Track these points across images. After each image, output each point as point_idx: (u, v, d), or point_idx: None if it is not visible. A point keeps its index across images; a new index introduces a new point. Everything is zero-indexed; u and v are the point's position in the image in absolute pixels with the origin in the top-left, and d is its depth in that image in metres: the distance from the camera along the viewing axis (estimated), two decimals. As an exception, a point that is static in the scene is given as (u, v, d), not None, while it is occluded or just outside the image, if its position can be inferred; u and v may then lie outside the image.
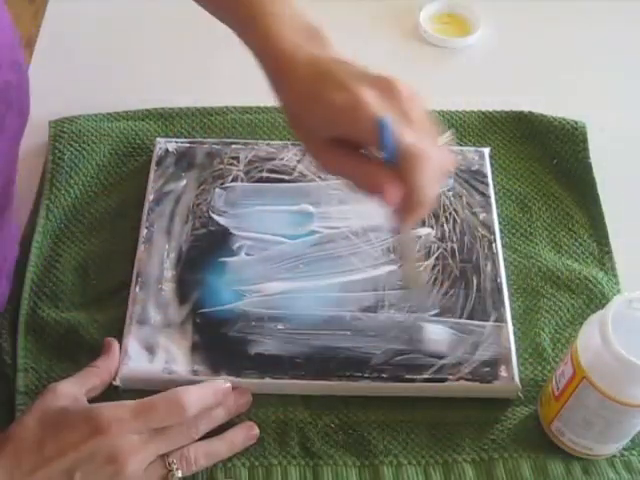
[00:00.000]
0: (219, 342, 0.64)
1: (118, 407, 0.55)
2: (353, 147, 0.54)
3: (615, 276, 0.71)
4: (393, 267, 0.68)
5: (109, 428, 0.53)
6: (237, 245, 0.69)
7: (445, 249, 0.70)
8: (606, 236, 0.73)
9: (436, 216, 0.72)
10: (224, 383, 0.60)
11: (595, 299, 0.69)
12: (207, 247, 0.69)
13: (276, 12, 0.59)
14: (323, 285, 0.67)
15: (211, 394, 0.59)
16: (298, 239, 0.70)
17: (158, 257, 0.68)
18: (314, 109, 0.55)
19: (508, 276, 0.70)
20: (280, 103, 0.58)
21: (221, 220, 0.71)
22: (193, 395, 0.57)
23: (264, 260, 0.68)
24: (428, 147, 0.53)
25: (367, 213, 0.71)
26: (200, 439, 0.58)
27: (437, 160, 0.53)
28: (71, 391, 0.58)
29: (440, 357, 0.64)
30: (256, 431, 0.61)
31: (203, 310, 0.65)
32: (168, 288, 0.66)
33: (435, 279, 0.68)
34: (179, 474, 0.56)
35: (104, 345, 0.63)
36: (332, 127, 0.54)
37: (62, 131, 0.76)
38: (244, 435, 0.60)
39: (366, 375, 0.63)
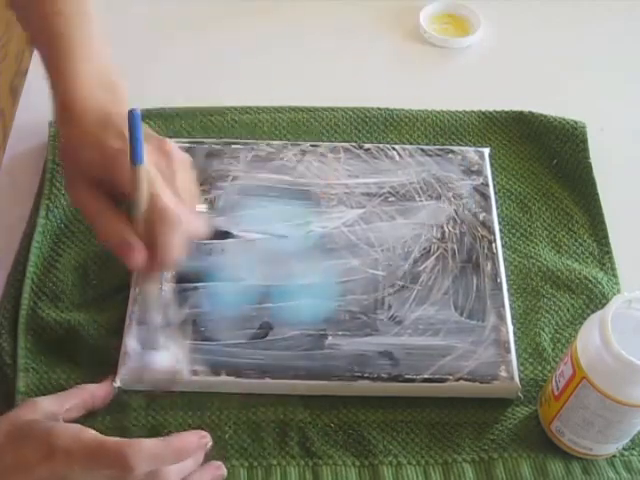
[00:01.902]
0: (219, 342, 0.64)
1: (73, 439, 0.53)
2: (112, 198, 0.56)
3: (615, 276, 0.71)
4: (393, 267, 0.68)
5: (59, 457, 0.52)
6: (237, 245, 0.69)
7: (445, 249, 0.70)
8: (606, 236, 0.73)
9: (436, 217, 0.72)
10: (199, 440, 0.58)
11: (595, 299, 0.69)
12: (207, 247, 0.69)
13: (85, 58, 0.61)
14: (323, 285, 0.67)
15: (170, 454, 0.55)
16: (297, 239, 0.70)
17: (158, 257, 0.68)
18: (91, 149, 0.56)
19: (508, 276, 0.70)
20: (61, 136, 0.60)
21: (221, 220, 0.70)
22: (145, 454, 0.53)
23: (264, 260, 0.68)
24: (182, 212, 0.55)
25: (367, 214, 0.71)
26: None
27: (187, 225, 0.55)
28: (49, 407, 0.57)
29: (440, 357, 0.63)
30: (224, 472, 0.58)
31: (203, 310, 0.65)
32: (168, 288, 0.66)
33: (435, 279, 0.68)
34: None
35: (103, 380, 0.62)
36: (101, 169, 0.56)
37: (62, 131, 0.76)
38: (210, 476, 0.58)
39: (366, 375, 0.63)
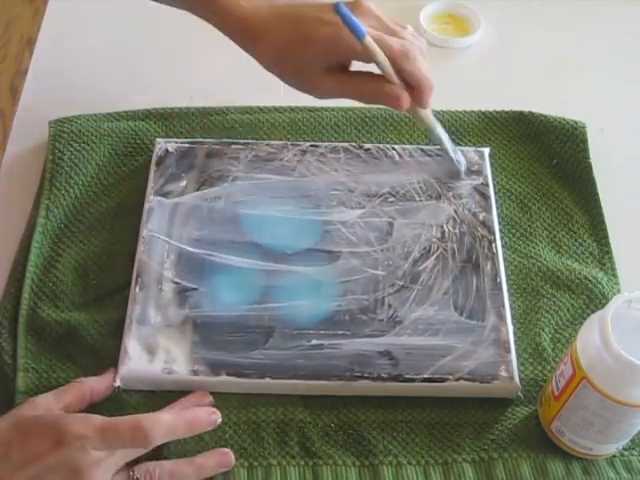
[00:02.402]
0: (219, 342, 0.64)
1: (84, 423, 0.54)
2: (343, 69, 0.65)
3: (615, 276, 0.71)
4: (393, 267, 0.68)
5: (72, 442, 0.53)
6: (237, 246, 0.69)
7: (445, 249, 0.70)
8: (606, 236, 0.73)
9: (436, 216, 0.72)
10: (209, 415, 0.60)
11: (595, 299, 0.69)
12: (207, 247, 0.69)
13: None
14: (323, 285, 0.67)
15: (183, 426, 0.58)
16: (297, 239, 0.70)
17: (158, 257, 0.68)
18: (304, 50, 0.63)
19: (508, 276, 0.70)
20: (260, 58, 0.67)
21: (221, 221, 0.71)
22: (161, 426, 0.56)
23: (264, 260, 0.69)
24: (408, 43, 0.64)
25: (367, 214, 0.71)
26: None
27: (418, 49, 0.64)
28: (49, 403, 0.58)
29: (440, 356, 0.64)
30: (230, 459, 0.59)
31: (203, 310, 0.65)
32: (168, 288, 0.66)
33: (435, 279, 0.68)
34: None
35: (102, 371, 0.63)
36: (327, 58, 0.64)
37: (62, 131, 0.76)
38: (216, 461, 0.59)
39: (366, 375, 0.63)
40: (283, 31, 0.64)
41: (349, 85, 0.65)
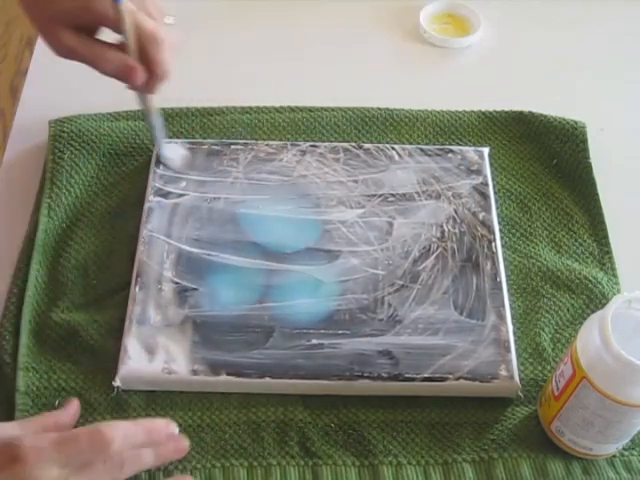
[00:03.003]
0: (219, 342, 0.64)
1: (39, 436, 0.53)
2: (89, 33, 0.63)
3: (615, 276, 0.71)
4: (393, 266, 0.68)
5: (27, 457, 0.51)
6: (237, 246, 0.69)
7: (445, 249, 0.70)
8: (606, 236, 0.73)
9: (436, 216, 0.72)
10: (166, 425, 0.59)
11: (595, 299, 0.69)
12: (207, 247, 0.69)
13: None
14: (323, 285, 0.67)
15: (141, 432, 0.57)
16: (297, 239, 0.70)
17: (158, 257, 0.68)
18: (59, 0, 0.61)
19: (508, 276, 0.70)
20: None
21: (221, 221, 0.71)
22: (119, 430, 0.55)
23: (264, 259, 0.69)
24: (162, 31, 0.63)
25: (367, 213, 0.71)
26: None
27: (169, 41, 0.63)
28: (11, 431, 0.56)
29: (440, 356, 0.64)
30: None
31: (203, 310, 0.65)
32: (168, 288, 0.66)
33: (435, 278, 0.68)
34: None
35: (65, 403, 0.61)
36: (77, 13, 0.61)
37: (62, 131, 0.76)
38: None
39: (366, 374, 0.63)
40: None
41: (89, 48, 0.63)
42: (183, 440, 0.60)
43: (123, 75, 0.63)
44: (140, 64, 0.63)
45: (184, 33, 0.88)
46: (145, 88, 0.65)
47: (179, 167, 0.73)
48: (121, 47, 0.62)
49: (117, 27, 0.61)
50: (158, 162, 0.74)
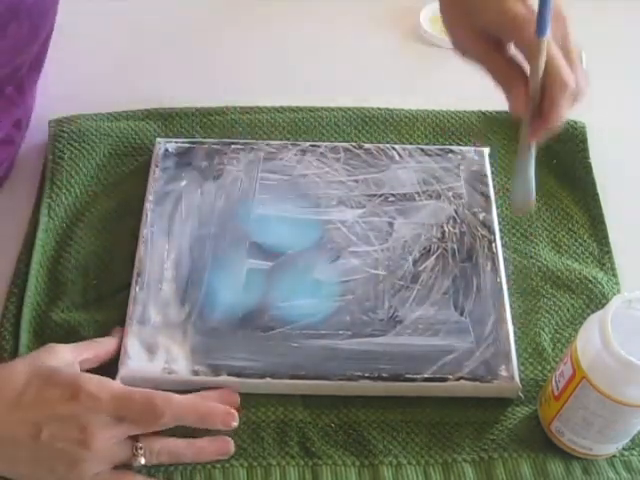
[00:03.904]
0: (219, 342, 0.64)
1: (100, 386, 0.56)
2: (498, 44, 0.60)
3: (615, 276, 0.71)
4: (393, 267, 0.68)
5: (85, 400, 0.54)
6: (237, 245, 0.69)
7: (445, 249, 0.70)
8: (606, 236, 0.73)
9: (436, 216, 0.72)
10: (224, 416, 0.59)
11: (595, 299, 0.69)
12: (207, 247, 0.69)
13: None
14: (323, 285, 0.67)
15: (193, 415, 0.58)
16: (297, 239, 0.70)
17: (158, 257, 0.68)
18: (491, 9, 0.59)
19: (508, 276, 0.70)
20: None
21: (221, 221, 0.71)
22: (172, 408, 0.56)
23: (264, 259, 0.69)
24: (580, 84, 0.58)
25: (367, 213, 0.71)
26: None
27: (580, 91, 0.59)
28: (66, 355, 0.59)
29: (440, 356, 0.63)
30: (230, 447, 0.59)
31: (203, 310, 0.65)
32: (168, 288, 0.66)
33: (435, 279, 0.68)
34: (142, 461, 0.57)
35: (112, 331, 0.64)
36: (496, 28, 0.59)
37: (62, 131, 0.76)
38: (215, 448, 0.59)
39: (366, 375, 0.63)
40: None
41: (495, 59, 0.60)
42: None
43: (510, 100, 0.60)
44: (536, 99, 0.59)
45: (184, 33, 0.89)
46: (532, 129, 0.60)
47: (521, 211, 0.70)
48: (522, 72, 0.59)
49: (527, 54, 0.58)
50: (158, 162, 0.74)
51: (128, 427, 0.56)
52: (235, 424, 0.59)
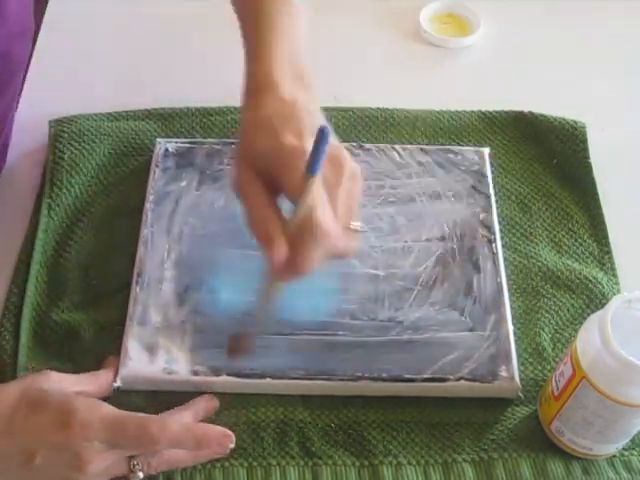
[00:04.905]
0: (219, 342, 0.64)
1: (92, 411, 0.55)
2: (271, 191, 0.56)
3: (615, 276, 0.71)
4: (393, 267, 0.68)
5: (77, 429, 0.53)
6: (237, 246, 0.69)
7: (445, 249, 0.70)
8: (606, 236, 0.73)
9: (436, 216, 0.72)
10: (220, 439, 0.58)
11: (595, 299, 0.69)
12: (207, 247, 0.69)
13: (279, 42, 0.62)
14: (323, 286, 0.67)
15: (190, 441, 0.56)
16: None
17: (158, 257, 0.68)
18: (267, 138, 0.56)
19: (508, 276, 0.70)
20: (242, 118, 0.60)
21: (221, 221, 0.71)
22: (167, 433, 0.55)
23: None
24: (333, 228, 0.54)
25: (367, 214, 0.71)
26: None
27: (334, 243, 0.54)
28: (62, 382, 0.58)
29: (440, 356, 0.63)
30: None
31: (203, 310, 0.65)
32: (168, 288, 0.66)
33: (435, 279, 0.68)
34: (140, 475, 0.56)
35: (106, 362, 0.63)
36: (269, 161, 0.56)
37: (62, 131, 0.76)
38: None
39: (366, 375, 0.63)
40: (269, 112, 0.58)
41: (253, 201, 0.56)
42: (228, 440, 0.58)
43: (263, 241, 0.55)
44: (287, 245, 0.54)
45: (184, 34, 0.89)
46: (278, 271, 0.55)
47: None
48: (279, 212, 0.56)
49: (294, 194, 0.54)
50: (158, 162, 0.74)
51: (122, 451, 0.55)
52: (232, 446, 0.58)
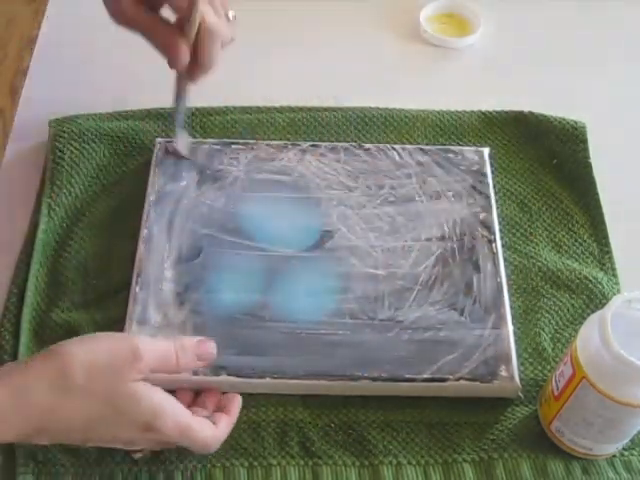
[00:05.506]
0: (219, 342, 0.64)
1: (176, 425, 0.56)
2: (153, 7, 0.66)
3: (615, 276, 0.71)
4: (393, 267, 0.68)
5: (156, 436, 0.55)
6: (237, 246, 0.69)
7: (445, 249, 0.70)
8: (606, 236, 0.73)
9: (436, 216, 0.72)
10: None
11: (595, 299, 0.69)
12: (207, 247, 0.69)
13: None
14: (323, 285, 0.67)
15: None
16: (297, 240, 0.70)
17: (158, 257, 0.68)
18: None
19: (508, 276, 0.70)
20: None
21: (221, 221, 0.71)
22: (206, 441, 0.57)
23: (264, 260, 0.69)
24: (221, 25, 0.65)
25: (367, 214, 0.71)
26: None
27: (226, 36, 0.66)
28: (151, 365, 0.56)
29: (440, 356, 0.63)
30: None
31: (203, 310, 0.65)
32: (168, 288, 0.66)
33: (435, 279, 0.68)
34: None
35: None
36: None
37: (62, 131, 0.76)
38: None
39: (366, 375, 0.63)
40: None
41: (147, 19, 0.65)
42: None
43: (167, 51, 0.65)
44: (190, 50, 0.65)
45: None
46: (187, 74, 0.68)
47: (187, 153, 0.74)
48: (178, 28, 0.65)
49: (182, 8, 0.64)
50: (158, 162, 0.74)
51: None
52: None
